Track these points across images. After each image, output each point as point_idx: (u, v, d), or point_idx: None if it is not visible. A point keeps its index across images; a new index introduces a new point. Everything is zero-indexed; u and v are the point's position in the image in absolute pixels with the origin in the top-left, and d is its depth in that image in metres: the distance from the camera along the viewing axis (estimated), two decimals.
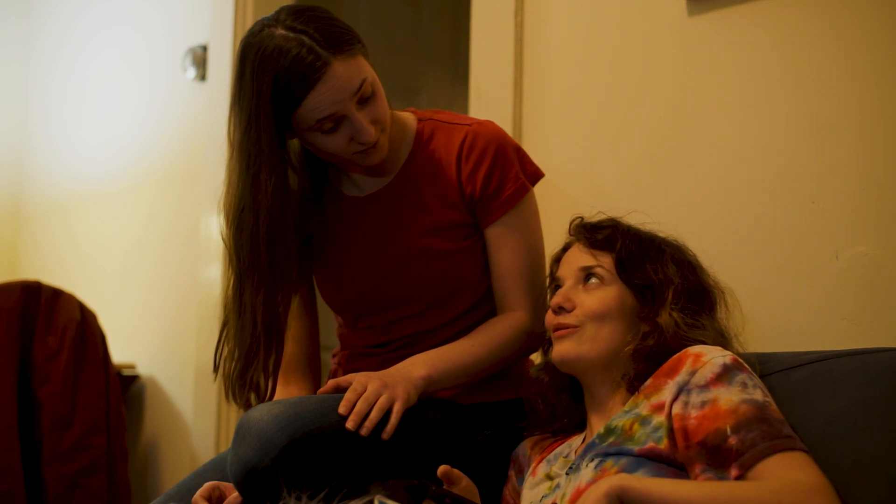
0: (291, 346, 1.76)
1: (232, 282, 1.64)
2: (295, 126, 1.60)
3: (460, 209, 1.70)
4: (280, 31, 1.54)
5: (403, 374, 1.54)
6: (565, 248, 1.56)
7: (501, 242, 1.70)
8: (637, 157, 1.97)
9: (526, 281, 1.69)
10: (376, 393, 1.48)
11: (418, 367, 1.57)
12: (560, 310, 1.47)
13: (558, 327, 1.47)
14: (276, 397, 1.66)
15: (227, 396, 1.66)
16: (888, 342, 1.53)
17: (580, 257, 1.50)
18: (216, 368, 1.66)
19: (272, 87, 1.54)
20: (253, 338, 1.61)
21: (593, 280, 1.47)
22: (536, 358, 1.71)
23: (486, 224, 1.70)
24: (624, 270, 1.46)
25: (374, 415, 1.46)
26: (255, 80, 1.54)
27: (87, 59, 3.59)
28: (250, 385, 1.63)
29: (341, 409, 1.46)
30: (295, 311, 1.77)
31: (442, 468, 1.40)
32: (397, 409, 1.47)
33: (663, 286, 1.44)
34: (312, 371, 1.82)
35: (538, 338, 1.67)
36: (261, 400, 1.63)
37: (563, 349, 1.46)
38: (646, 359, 1.41)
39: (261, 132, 1.56)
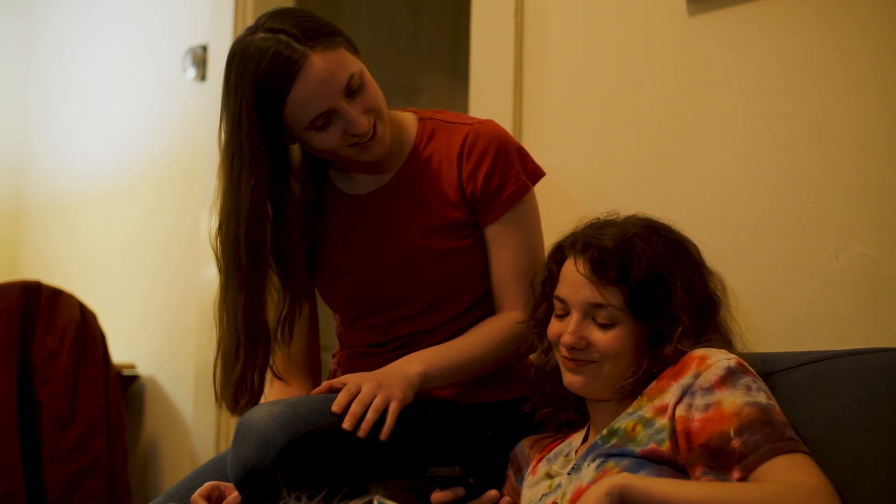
0: (292, 344, 1.76)
1: (219, 286, 1.66)
2: (288, 129, 1.60)
3: (461, 208, 1.70)
4: (260, 35, 1.56)
5: (398, 373, 1.54)
6: (564, 255, 1.49)
7: (501, 242, 1.69)
8: (637, 157, 1.97)
9: (525, 281, 1.67)
10: (371, 394, 1.47)
11: (414, 364, 1.57)
12: (573, 349, 1.43)
13: (572, 358, 1.44)
14: (276, 397, 1.66)
15: (216, 399, 1.66)
16: (888, 342, 1.53)
17: (588, 290, 1.42)
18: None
19: (255, 89, 1.55)
20: (235, 341, 1.62)
21: (603, 317, 1.42)
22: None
23: (486, 223, 1.70)
24: (635, 312, 1.41)
25: (371, 416, 1.45)
26: (238, 86, 1.56)
27: (87, 59, 3.59)
28: (237, 386, 1.63)
29: (334, 408, 1.46)
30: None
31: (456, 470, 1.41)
32: (393, 408, 1.47)
33: (674, 324, 1.40)
34: (312, 371, 1.82)
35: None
36: (248, 401, 1.63)
37: (575, 382, 1.44)
38: (649, 379, 1.41)
39: (242, 136, 1.57)
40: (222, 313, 1.64)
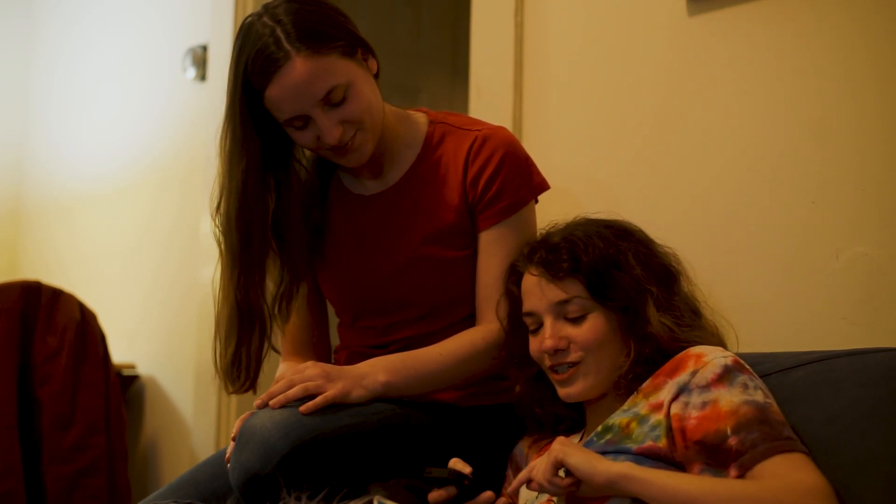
0: (294, 317, 1.76)
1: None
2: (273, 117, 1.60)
3: (462, 214, 1.68)
4: (264, 19, 1.56)
5: (357, 375, 1.53)
6: (520, 272, 1.51)
7: (491, 251, 1.66)
8: (637, 157, 1.96)
9: None
10: (308, 378, 1.49)
11: (379, 371, 1.55)
12: (557, 352, 1.43)
13: (558, 368, 1.44)
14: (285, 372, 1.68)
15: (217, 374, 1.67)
16: (888, 342, 1.53)
17: (550, 291, 1.44)
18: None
19: (243, 75, 1.56)
20: (228, 319, 1.63)
21: (574, 311, 1.43)
22: None
23: (481, 228, 1.67)
24: (599, 297, 1.42)
25: (293, 392, 1.46)
26: (235, 65, 1.58)
27: (87, 59, 3.59)
28: (230, 366, 1.63)
29: (261, 399, 1.49)
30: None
31: (453, 461, 1.41)
32: (326, 395, 1.47)
33: (641, 295, 1.42)
34: (321, 353, 1.81)
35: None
36: (244, 384, 1.63)
37: (572, 391, 1.44)
38: (644, 363, 1.41)
39: (235, 115, 1.59)
40: (218, 291, 1.65)
